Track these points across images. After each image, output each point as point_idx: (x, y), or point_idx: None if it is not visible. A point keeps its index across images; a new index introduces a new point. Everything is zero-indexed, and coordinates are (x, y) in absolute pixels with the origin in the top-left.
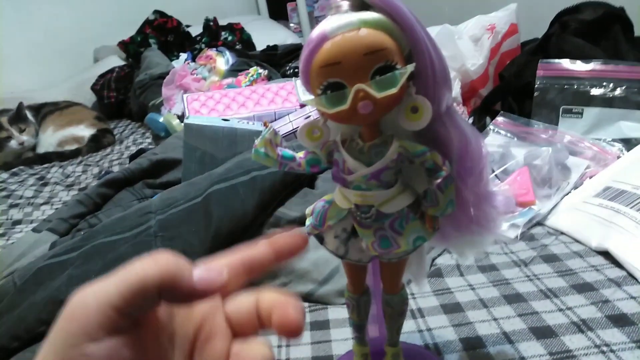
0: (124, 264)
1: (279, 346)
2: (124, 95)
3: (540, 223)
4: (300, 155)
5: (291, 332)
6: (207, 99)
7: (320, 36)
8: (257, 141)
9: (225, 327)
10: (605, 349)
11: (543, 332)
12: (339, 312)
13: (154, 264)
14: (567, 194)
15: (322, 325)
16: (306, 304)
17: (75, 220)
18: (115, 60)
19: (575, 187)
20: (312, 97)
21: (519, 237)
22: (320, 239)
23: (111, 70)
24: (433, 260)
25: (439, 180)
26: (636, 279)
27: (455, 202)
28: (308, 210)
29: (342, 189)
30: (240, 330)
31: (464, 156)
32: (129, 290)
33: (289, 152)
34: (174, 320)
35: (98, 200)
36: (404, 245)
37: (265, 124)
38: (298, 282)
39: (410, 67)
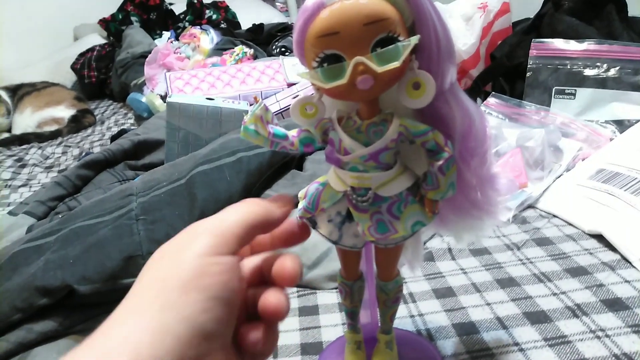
0: (103, 248)
1: None
2: (105, 75)
3: (532, 206)
4: (293, 133)
5: (288, 280)
6: (191, 77)
7: (317, 3)
8: (246, 118)
9: None
10: (600, 333)
11: (537, 317)
12: (328, 297)
13: (257, 206)
14: (560, 176)
15: (311, 310)
16: (294, 289)
17: (54, 202)
18: (96, 39)
19: (568, 170)
20: (306, 70)
21: (511, 220)
22: (313, 223)
23: (92, 49)
24: (424, 243)
25: (440, 162)
26: (630, 263)
27: (456, 185)
28: (301, 193)
29: (337, 170)
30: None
31: (468, 136)
32: (248, 223)
33: (280, 130)
34: None
35: (77, 182)
36: (401, 230)
37: (255, 99)
38: None
39: (415, 39)
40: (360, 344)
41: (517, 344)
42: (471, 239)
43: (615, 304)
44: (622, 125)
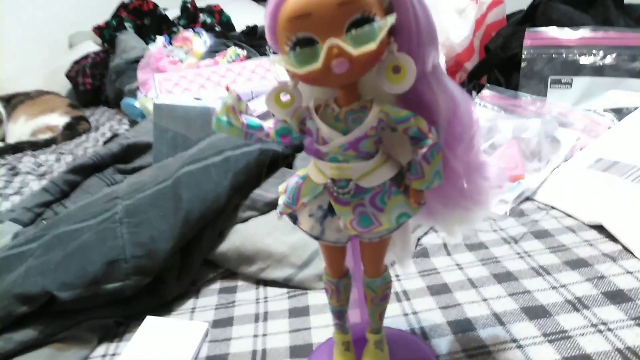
0: (85, 253)
1: (255, 336)
2: (100, 82)
3: (529, 198)
4: (269, 124)
5: None
6: (180, 78)
7: None
8: (217, 108)
9: None
10: (602, 327)
11: (536, 312)
12: (319, 298)
13: None
14: (557, 167)
15: (301, 312)
16: (284, 290)
17: (41, 209)
18: (91, 46)
19: (566, 160)
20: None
21: (508, 214)
22: (294, 219)
23: (86, 56)
24: (418, 240)
25: (424, 150)
26: (632, 253)
27: (442, 173)
28: (281, 188)
29: (317, 162)
30: None
31: (453, 121)
32: None
33: (255, 120)
34: None
35: (65, 187)
36: (386, 223)
37: (227, 89)
38: (276, 267)
39: (391, 19)
40: (349, 344)
41: (515, 341)
42: (463, 232)
43: (617, 296)
44: (620, 113)
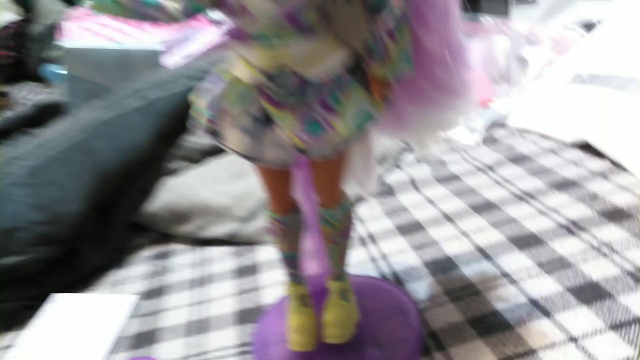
0: None
1: (193, 304)
2: (21, 53)
3: (501, 124)
4: (174, 4)
5: None
6: (93, 23)
7: None
8: None
9: None
10: (605, 249)
11: (526, 241)
12: (269, 252)
13: None
14: (528, 88)
15: (249, 270)
16: (228, 249)
17: None
18: (9, 16)
19: (536, 80)
20: None
21: (479, 142)
22: (219, 137)
23: (5, 27)
24: (381, 178)
25: (388, 22)
26: (623, 168)
27: (412, 57)
28: (197, 98)
29: (243, 51)
30: None
31: None
32: None
33: None
34: None
35: None
36: (342, 128)
37: None
38: (216, 223)
39: None
40: (307, 298)
41: (506, 275)
42: (434, 142)
43: (616, 215)
44: (590, 27)
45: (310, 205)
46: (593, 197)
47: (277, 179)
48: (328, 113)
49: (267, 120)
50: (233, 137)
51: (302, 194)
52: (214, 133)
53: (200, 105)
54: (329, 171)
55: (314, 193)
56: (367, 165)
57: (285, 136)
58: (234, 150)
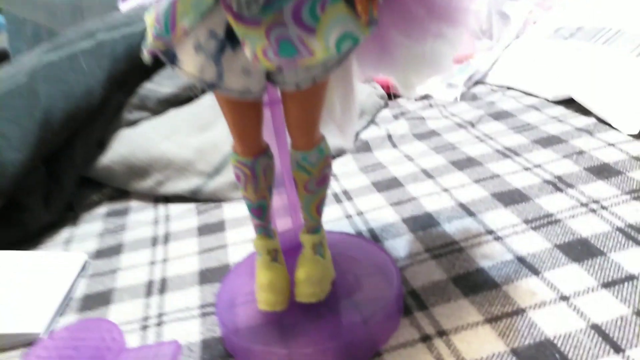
0: None
1: (152, 263)
2: None
3: (481, 81)
4: None
5: None
6: None
7: None
8: None
9: None
10: (594, 206)
11: (511, 197)
12: (236, 209)
13: None
14: (510, 44)
15: (214, 228)
16: (192, 206)
17: None
18: None
19: (518, 37)
20: None
21: (458, 99)
22: (172, 57)
23: None
24: (357, 134)
25: None
26: (609, 124)
27: None
28: (147, 15)
29: None
30: None
31: None
32: None
33: None
34: None
35: None
36: (320, 50)
37: None
38: (178, 178)
39: None
40: (277, 253)
41: (490, 232)
42: (421, 82)
43: (603, 171)
44: None
45: (282, 148)
46: (579, 153)
47: (244, 115)
48: (304, 31)
49: (230, 41)
50: (188, 57)
51: (272, 134)
52: (166, 53)
53: (148, 20)
54: (304, 107)
55: (287, 133)
56: (348, 105)
57: (251, 55)
58: (188, 73)
